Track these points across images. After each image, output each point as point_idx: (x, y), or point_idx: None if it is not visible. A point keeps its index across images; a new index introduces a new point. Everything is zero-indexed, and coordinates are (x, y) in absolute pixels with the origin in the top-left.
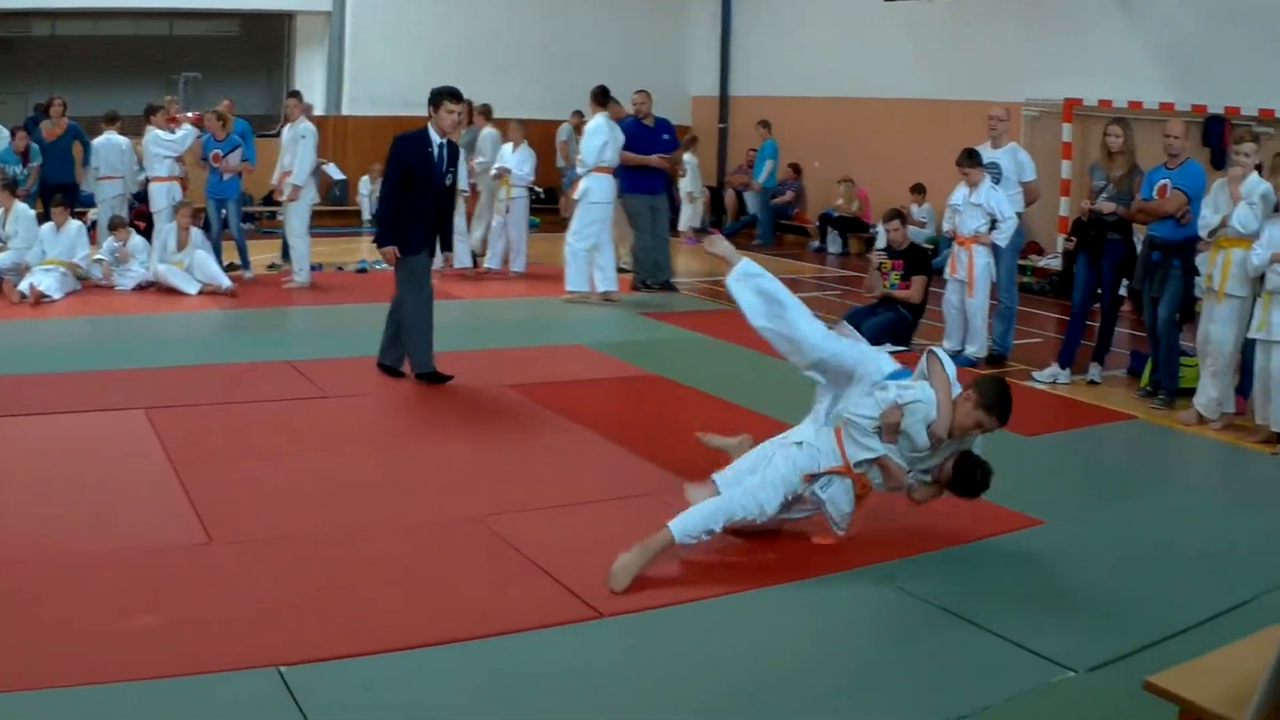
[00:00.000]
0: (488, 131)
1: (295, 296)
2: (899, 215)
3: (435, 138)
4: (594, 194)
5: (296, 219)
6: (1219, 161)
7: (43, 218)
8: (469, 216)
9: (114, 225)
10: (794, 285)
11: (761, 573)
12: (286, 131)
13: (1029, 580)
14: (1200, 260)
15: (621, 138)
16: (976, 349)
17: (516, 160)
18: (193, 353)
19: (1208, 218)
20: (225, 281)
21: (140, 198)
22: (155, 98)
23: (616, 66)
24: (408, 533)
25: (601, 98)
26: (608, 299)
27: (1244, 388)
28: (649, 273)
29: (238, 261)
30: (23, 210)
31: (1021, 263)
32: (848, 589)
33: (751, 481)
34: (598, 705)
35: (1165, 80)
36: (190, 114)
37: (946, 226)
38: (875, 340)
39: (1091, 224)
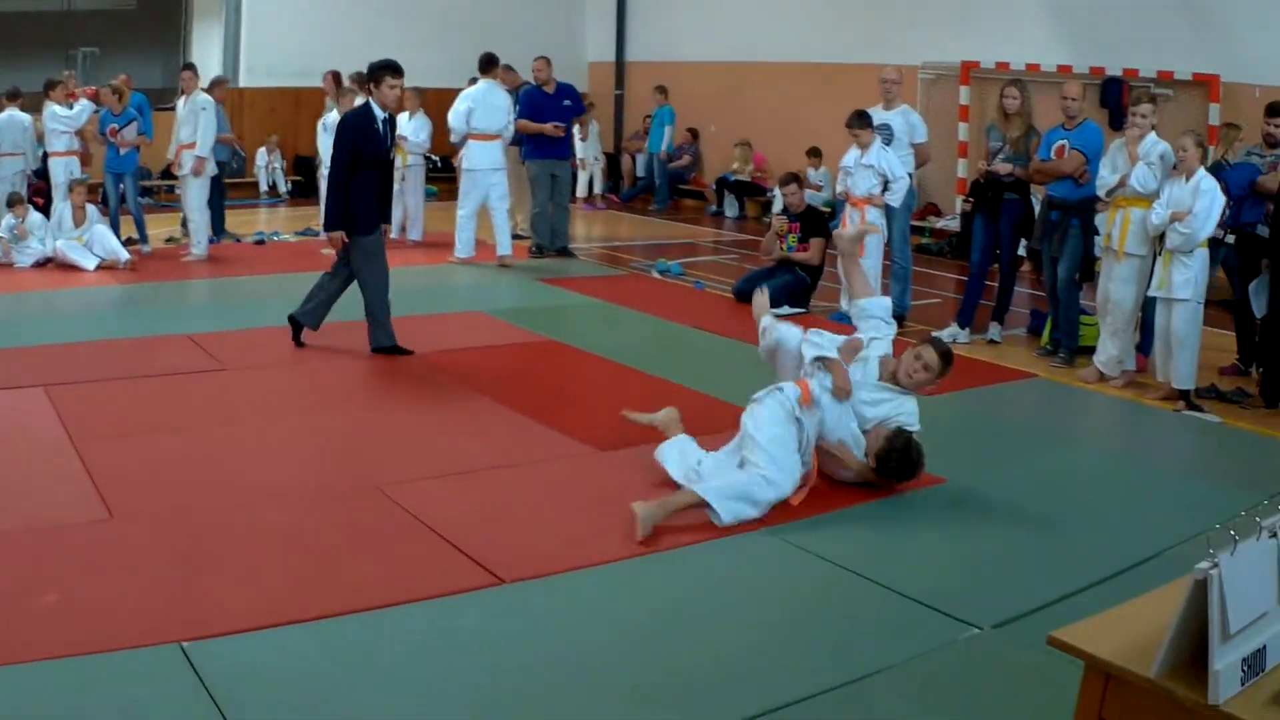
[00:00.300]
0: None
1: (193, 270)
2: (796, 179)
3: (378, 113)
4: (468, 161)
5: (196, 192)
6: (1117, 123)
7: None
8: None
9: (12, 202)
10: (692, 250)
11: (665, 535)
12: (183, 105)
13: (932, 538)
14: (1100, 220)
15: (502, 103)
16: None
17: (413, 128)
18: (92, 328)
19: (1106, 178)
20: (124, 255)
21: (40, 174)
22: (54, 73)
23: (512, 33)
24: (308, 503)
25: (484, 65)
26: (501, 264)
27: (1144, 345)
28: (546, 239)
29: (136, 236)
30: None
31: (920, 224)
32: (751, 549)
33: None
34: (502, 672)
35: (1063, 43)
36: (87, 89)
37: (839, 189)
38: (774, 302)
39: (989, 185)
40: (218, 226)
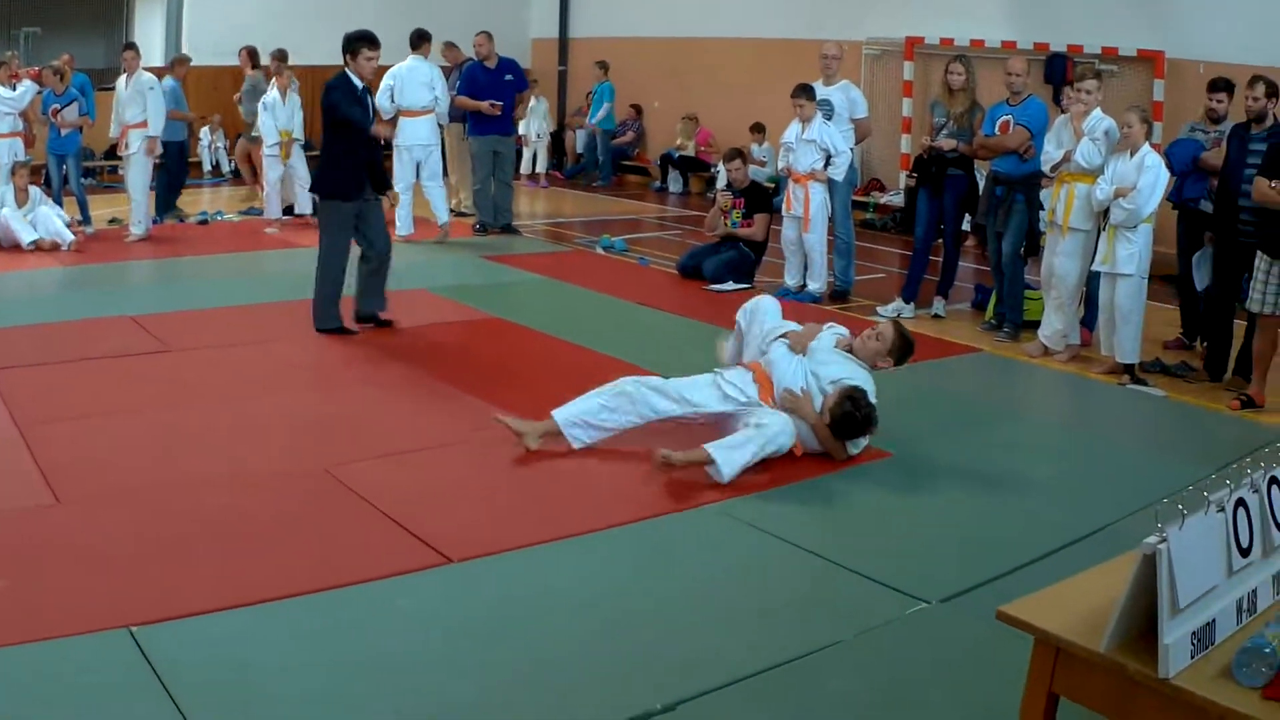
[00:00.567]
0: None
1: (136, 250)
2: (740, 154)
3: (358, 83)
4: (398, 137)
5: (139, 172)
6: (1061, 98)
7: None
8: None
9: None
10: (636, 226)
11: (612, 512)
12: (125, 85)
13: (879, 513)
14: (1044, 195)
15: (426, 79)
16: (818, 285)
17: None
18: (34, 311)
19: (1051, 153)
20: (68, 236)
21: None
22: None
23: (456, 10)
24: (254, 486)
25: (414, 41)
26: (442, 236)
27: (1089, 320)
28: (489, 216)
29: (79, 217)
30: None
31: (864, 199)
32: (700, 526)
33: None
34: (451, 651)
35: (1007, 18)
36: (30, 70)
37: (781, 164)
38: (718, 278)
39: (933, 160)
40: (170, 204)
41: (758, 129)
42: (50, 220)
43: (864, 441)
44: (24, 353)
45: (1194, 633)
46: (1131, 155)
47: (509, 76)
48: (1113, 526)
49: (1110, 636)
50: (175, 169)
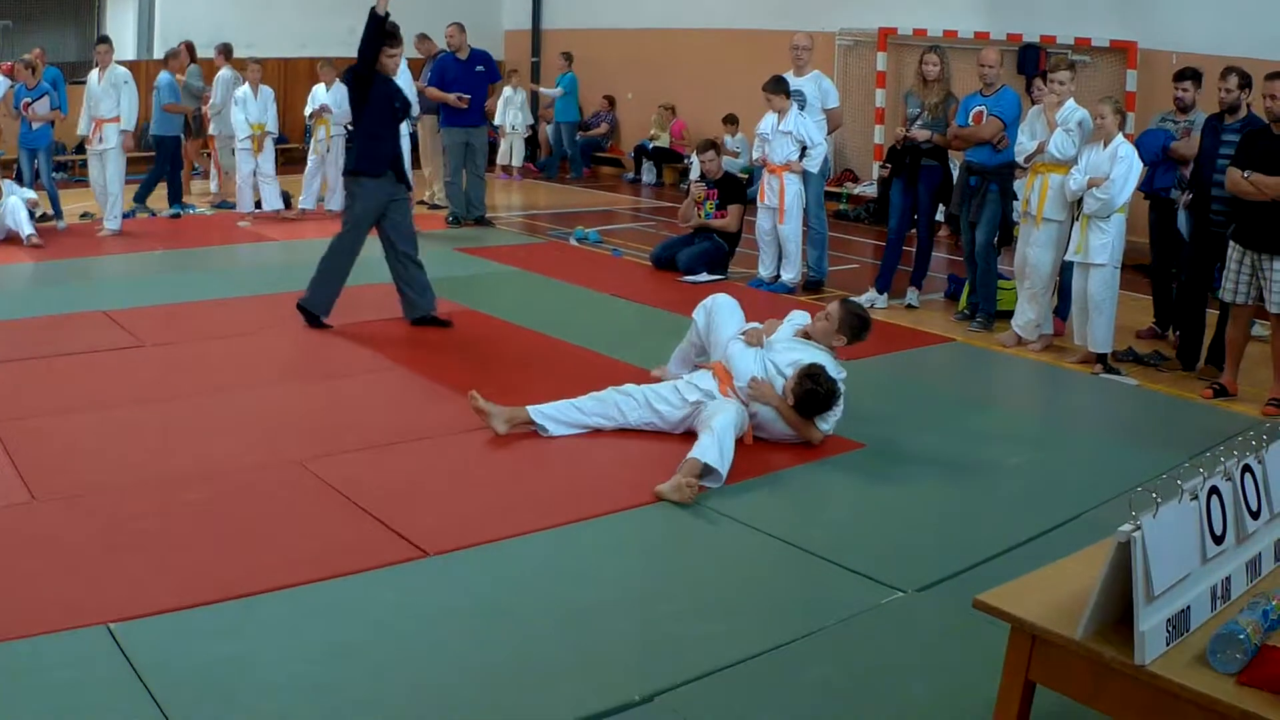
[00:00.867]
0: (224, 73)
1: (108, 245)
2: (713, 146)
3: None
4: None
5: (115, 166)
6: (1033, 89)
7: None
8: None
9: None
10: (609, 217)
11: (588, 504)
12: (100, 79)
13: (853, 503)
14: (1018, 185)
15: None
16: (792, 275)
17: (334, 99)
18: (6, 306)
19: (1025, 144)
20: (27, 230)
21: None
22: None
23: (428, 1)
24: (230, 480)
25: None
26: None
27: (1062, 310)
28: (461, 208)
29: (50, 212)
30: None
31: (837, 190)
32: (675, 517)
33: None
34: (428, 644)
35: (980, 9)
36: (2, 65)
37: (756, 155)
38: (692, 269)
39: (906, 151)
40: (143, 198)
41: (731, 120)
42: (17, 212)
43: (834, 416)
44: None
45: (1169, 620)
46: (1105, 146)
47: (480, 68)
48: (1087, 515)
49: (1086, 624)
50: (173, 163)
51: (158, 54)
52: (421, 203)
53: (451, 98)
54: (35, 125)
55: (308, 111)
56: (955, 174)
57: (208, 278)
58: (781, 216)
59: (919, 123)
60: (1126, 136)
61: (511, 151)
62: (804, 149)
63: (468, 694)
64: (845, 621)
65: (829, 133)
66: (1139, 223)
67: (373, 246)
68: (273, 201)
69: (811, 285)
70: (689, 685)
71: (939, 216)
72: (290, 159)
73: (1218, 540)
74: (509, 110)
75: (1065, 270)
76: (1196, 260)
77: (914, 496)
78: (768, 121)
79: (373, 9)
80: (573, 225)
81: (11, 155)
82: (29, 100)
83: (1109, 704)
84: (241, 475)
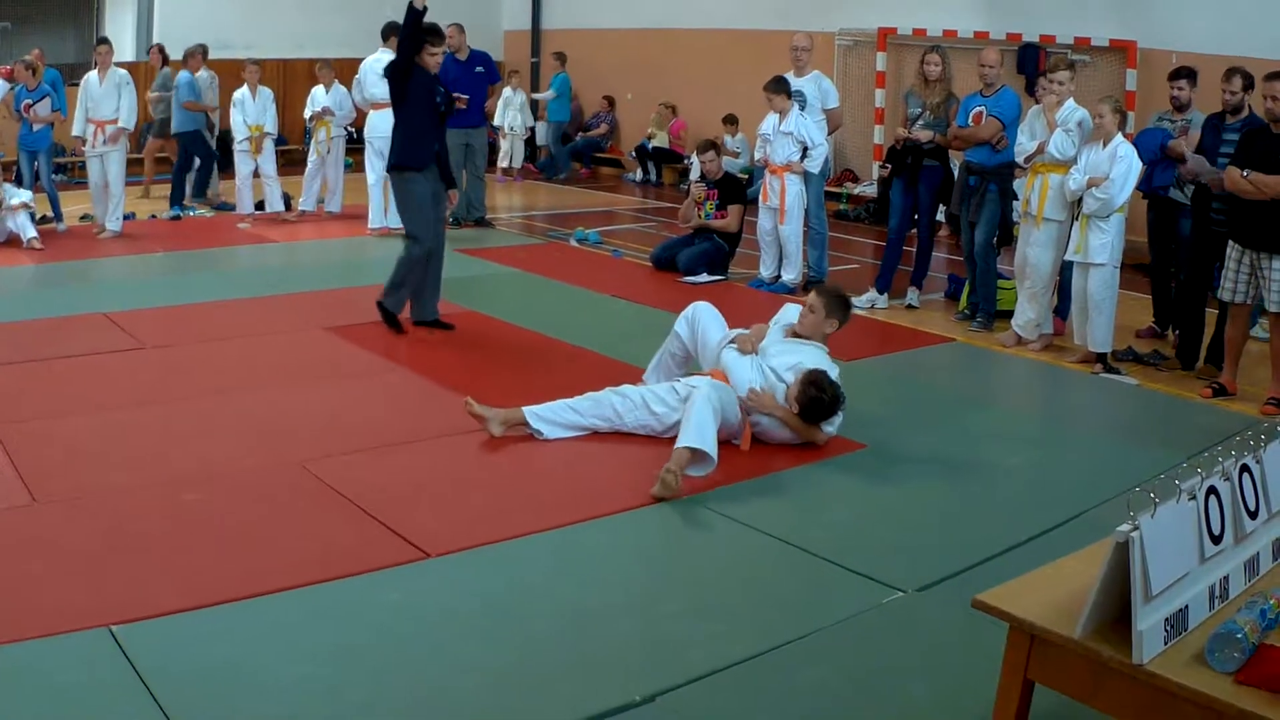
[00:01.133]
0: (201, 75)
1: (108, 247)
2: (713, 146)
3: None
4: (367, 130)
5: (117, 166)
6: (1034, 89)
7: None
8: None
9: None
10: (610, 218)
11: (589, 506)
12: (102, 80)
13: (854, 503)
14: (1018, 185)
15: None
16: (793, 276)
17: (334, 101)
18: (6, 309)
19: (1025, 145)
20: (29, 233)
21: None
22: None
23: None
24: (232, 482)
25: (384, 34)
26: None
27: (1062, 309)
28: (461, 209)
29: (50, 214)
30: None
31: (837, 190)
32: (676, 519)
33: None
34: (430, 646)
35: (980, 9)
36: (2, 68)
37: (758, 156)
38: (692, 269)
39: (908, 151)
40: (187, 193)
41: (730, 120)
42: (18, 214)
43: (838, 420)
44: None
45: (1167, 619)
46: (1104, 145)
47: (480, 69)
48: (1086, 515)
49: (1085, 623)
50: (204, 156)
51: None
52: None
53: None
54: (36, 127)
55: (307, 114)
56: (956, 173)
57: (208, 280)
58: (782, 217)
59: (920, 122)
60: (1126, 136)
61: (511, 153)
62: (805, 149)
63: (469, 695)
64: (846, 622)
65: (829, 133)
66: (1138, 222)
67: (389, 247)
68: (274, 203)
69: (811, 285)
70: (690, 686)
71: (939, 216)
72: (290, 160)
73: (1216, 540)
74: (508, 111)
75: (1065, 270)
76: (1196, 259)
77: (914, 497)
78: (769, 122)
79: (410, 3)
80: (573, 226)
81: (11, 157)
82: (29, 101)
83: (1107, 703)
84: (242, 477)
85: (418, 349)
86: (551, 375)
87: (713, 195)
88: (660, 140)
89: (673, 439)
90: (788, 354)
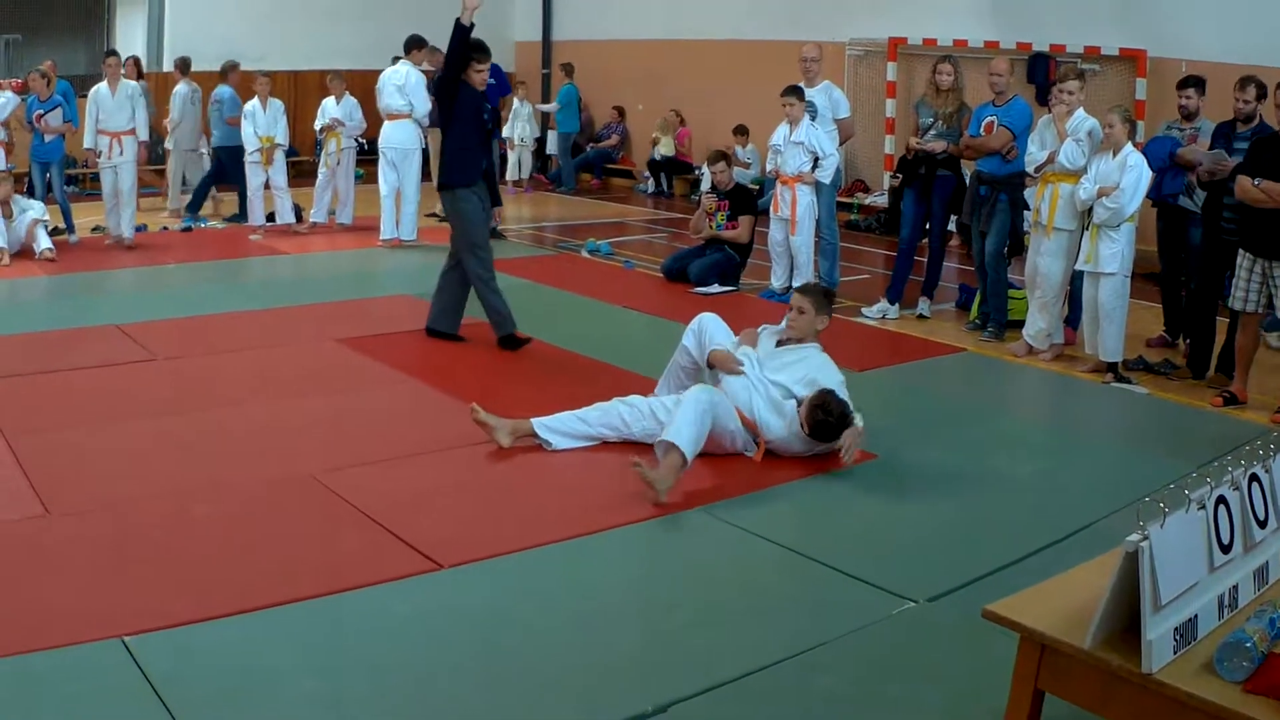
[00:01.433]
0: (180, 88)
1: (120, 258)
2: (724, 157)
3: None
4: (381, 141)
5: (130, 176)
6: (1045, 99)
7: None
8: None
9: None
10: (621, 229)
11: (599, 517)
12: (114, 92)
13: (865, 514)
14: (1028, 194)
15: (401, 82)
16: None
17: (345, 112)
18: (19, 320)
19: (1035, 154)
20: (43, 244)
21: None
22: None
23: (438, 13)
24: (244, 493)
25: (405, 47)
26: (388, 244)
27: (1072, 319)
28: None
29: (62, 225)
30: None
31: (848, 200)
32: (687, 529)
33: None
34: (441, 656)
35: (990, 18)
36: (14, 81)
37: (769, 167)
38: (703, 281)
39: (919, 160)
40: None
41: (741, 131)
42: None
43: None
44: (10, 363)
45: (1176, 628)
46: (1114, 155)
47: (491, 80)
48: (1096, 525)
49: (1094, 633)
50: (217, 175)
51: (167, 67)
52: (432, 215)
53: None
54: (48, 138)
55: (317, 125)
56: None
57: (220, 291)
58: (794, 228)
59: (933, 132)
60: (1135, 145)
61: (520, 163)
62: (816, 160)
63: (480, 705)
64: (856, 632)
65: (840, 143)
66: (1148, 231)
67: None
68: (285, 215)
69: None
70: (701, 696)
71: (950, 226)
72: (300, 172)
73: (1225, 549)
74: (516, 122)
75: (1075, 279)
76: (1206, 268)
77: (925, 506)
78: (780, 133)
79: (458, 20)
80: (584, 237)
81: (23, 169)
82: (41, 112)
83: (1117, 712)
84: (254, 488)
85: (428, 361)
86: (563, 386)
87: (724, 206)
88: (665, 146)
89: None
90: (793, 365)
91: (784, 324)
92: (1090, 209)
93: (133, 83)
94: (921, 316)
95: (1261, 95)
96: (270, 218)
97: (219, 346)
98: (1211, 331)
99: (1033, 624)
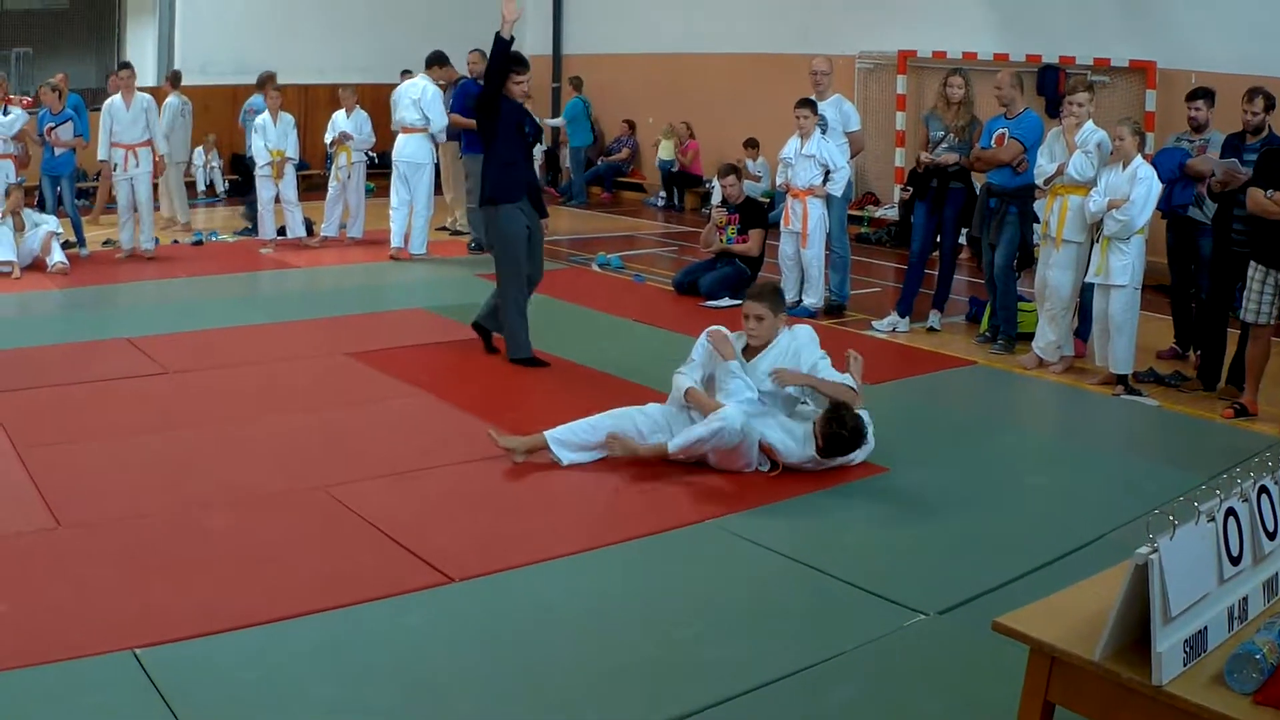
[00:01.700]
0: (171, 100)
1: (130, 272)
2: (734, 170)
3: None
4: (395, 153)
5: (147, 188)
6: (1055, 111)
7: None
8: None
9: None
10: (631, 243)
11: (610, 529)
12: (128, 105)
13: (876, 526)
14: (1038, 207)
15: (416, 97)
16: (815, 300)
17: (354, 125)
18: (31, 334)
19: (1044, 167)
20: (56, 258)
21: None
22: None
23: (448, 27)
24: (254, 506)
25: (426, 62)
26: (395, 256)
27: (1083, 331)
28: (482, 234)
29: (73, 239)
30: None
31: (858, 213)
32: (698, 542)
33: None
34: (454, 668)
35: (999, 31)
36: (24, 99)
37: (780, 180)
38: (714, 294)
39: (931, 173)
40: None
41: (751, 144)
42: (38, 239)
43: (869, 447)
44: (21, 376)
45: (1186, 640)
46: (1124, 167)
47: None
48: (1107, 537)
49: (1104, 645)
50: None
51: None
52: (443, 229)
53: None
54: (58, 152)
55: (328, 138)
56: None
57: (231, 305)
58: (805, 241)
59: (944, 145)
60: (1145, 157)
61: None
62: (827, 173)
63: (491, 718)
64: (867, 645)
65: (851, 157)
66: (1158, 242)
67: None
68: (296, 228)
69: (833, 309)
70: (713, 709)
71: (961, 239)
72: (311, 185)
73: (1234, 561)
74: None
75: (1085, 291)
76: (1217, 279)
77: (935, 519)
78: (790, 146)
79: (498, 33)
80: (594, 251)
81: (34, 182)
82: (52, 125)
83: None
84: (265, 501)
85: (439, 374)
86: (573, 400)
87: (734, 220)
88: (665, 150)
89: (688, 462)
90: (775, 366)
91: (744, 336)
92: (1100, 221)
93: (146, 95)
94: (932, 329)
95: (1270, 106)
96: (281, 231)
97: (230, 360)
98: (1222, 343)
99: (1042, 636)
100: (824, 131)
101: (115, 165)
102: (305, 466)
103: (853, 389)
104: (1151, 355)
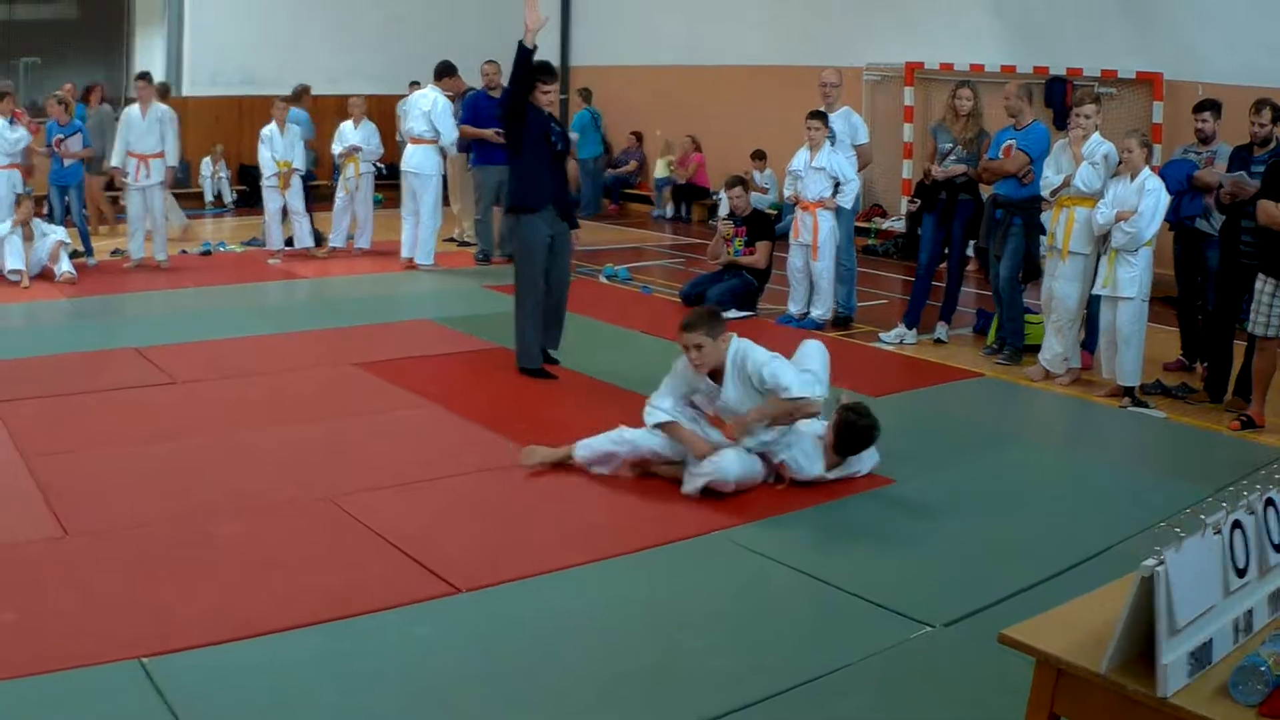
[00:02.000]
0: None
1: (139, 282)
2: (741, 182)
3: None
4: (403, 163)
5: (160, 200)
6: (1062, 123)
7: None
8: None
9: None
10: (638, 255)
11: (618, 540)
12: (144, 115)
13: (882, 539)
14: (1045, 219)
15: (426, 108)
16: (823, 312)
17: (363, 137)
18: (38, 343)
19: (1050, 178)
20: (64, 267)
21: None
22: None
23: (456, 39)
24: (262, 516)
25: (436, 72)
26: (409, 266)
27: (1089, 343)
28: (490, 246)
29: (81, 249)
30: None
31: (866, 225)
32: (706, 553)
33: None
34: (459, 679)
35: (1006, 43)
36: (31, 123)
37: (789, 192)
38: (721, 306)
39: (942, 185)
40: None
41: (759, 156)
42: (48, 247)
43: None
44: (29, 385)
45: (1191, 653)
46: (1132, 179)
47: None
48: (1113, 549)
49: (1110, 657)
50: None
51: (186, 89)
52: (450, 239)
53: (490, 133)
54: (67, 162)
55: (335, 150)
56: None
57: (239, 315)
58: (815, 253)
59: (953, 158)
60: (1152, 168)
61: None
62: (837, 185)
63: None
64: (873, 657)
65: (859, 169)
66: (1164, 254)
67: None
68: (304, 239)
69: (840, 321)
70: None
71: (968, 251)
72: (319, 196)
73: (1240, 573)
74: None
75: (1092, 303)
76: (1224, 291)
77: (942, 531)
78: (800, 158)
79: (520, 42)
80: (602, 262)
81: (42, 192)
82: (61, 136)
83: None
84: (272, 511)
85: (448, 385)
86: (581, 411)
87: (741, 232)
88: (661, 170)
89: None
90: (739, 395)
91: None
92: (1108, 233)
93: (163, 106)
94: (939, 341)
95: (1277, 118)
96: (289, 242)
97: (238, 370)
98: (1229, 355)
99: (1048, 648)
100: (832, 144)
101: (127, 174)
102: (312, 476)
103: (804, 398)
104: (1158, 367)
